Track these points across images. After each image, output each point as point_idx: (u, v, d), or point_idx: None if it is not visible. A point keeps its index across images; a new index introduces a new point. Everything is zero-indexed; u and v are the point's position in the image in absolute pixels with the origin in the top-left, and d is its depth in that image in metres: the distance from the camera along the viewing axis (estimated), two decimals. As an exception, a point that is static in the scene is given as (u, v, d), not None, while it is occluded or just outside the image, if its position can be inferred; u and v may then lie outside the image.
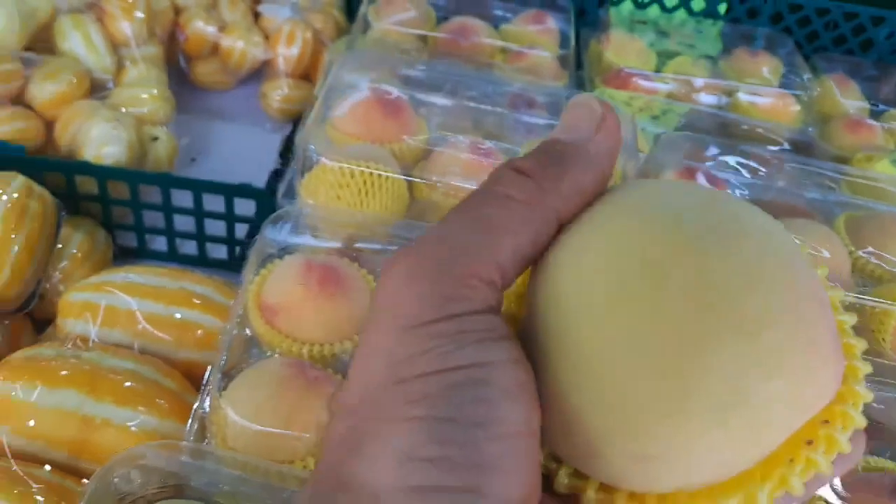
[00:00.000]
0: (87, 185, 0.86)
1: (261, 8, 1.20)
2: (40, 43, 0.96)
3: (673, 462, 0.24)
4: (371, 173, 0.72)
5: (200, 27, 1.12)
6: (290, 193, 0.75)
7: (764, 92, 1.07)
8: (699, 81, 1.07)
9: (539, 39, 1.13)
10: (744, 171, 0.84)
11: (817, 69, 1.17)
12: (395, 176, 0.73)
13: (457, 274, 0.24)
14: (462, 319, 0.24)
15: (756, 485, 0.25)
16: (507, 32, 1.16)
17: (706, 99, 1.06)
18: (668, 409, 0.23)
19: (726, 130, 1.01)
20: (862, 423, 0.26)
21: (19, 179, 0.74)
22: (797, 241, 0.27)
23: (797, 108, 1.06)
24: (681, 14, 1.28)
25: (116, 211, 0.89)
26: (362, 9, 1.14)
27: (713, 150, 0.85)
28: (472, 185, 0.74)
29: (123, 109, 0.93)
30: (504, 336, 0.24)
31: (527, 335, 0.26)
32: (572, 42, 1.12)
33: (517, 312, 0.28)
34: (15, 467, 0.57)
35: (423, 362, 0.23)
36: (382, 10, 1.14)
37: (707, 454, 0.24)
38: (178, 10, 1.13)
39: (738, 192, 0.81)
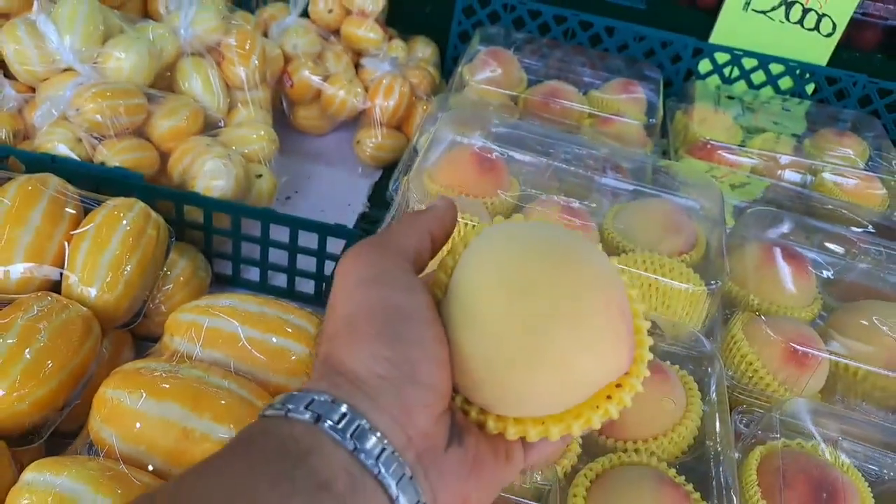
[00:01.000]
0: (194, 214, 0.92)
1: (363, 61, 1.26)
2: (163, 81, 1.03)
3: (523, 396, 0.39)
4: (466, 224, 0.75)
5: (306, 76, 1.18)
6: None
7: (850, 173, 1.08)
8: (785, 158, 1.09)
9: (626, 107, 1.17)
10: (827, 251, 0.85)
11: (905, 153, 1.18)
12: (489, 228, 0.77)
13: (387, 252, 0.41)
14: (394, 274, 0.40)
15: (573, 420, 0.40)
16: (595, 99, 1.20)
17: (791, 176, 1.08)
18: (523, 362, 0.38)
19: (809, 209, 1.02)
20: (640, 389, 0.40)
21: (139, 206, 0.80)
22: (616, 269, 0.41)
23: (883, 191, 1.07)
24: (767, 91, 1.31)
25: (216, 240, 0.95)
26: (459, 67, 1.20)
27: (797, 228, 0.87)
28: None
29: (233, 147, 0.99)
30: (422, 288, 0.40)
31: (446, 307, 0.40)
32: (660, 112, 1.15)
33: (441, 297, 0.42)
34: (122, 466, 0.61)
35: (372, 300, 0.38)
36: (477, 70, 1.19)
37: (544, 394, 0.39)
38: (287, 59, 1.20)
39: (823, 272, 0.82)
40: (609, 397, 0.40)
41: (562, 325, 0.38)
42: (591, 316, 0.38)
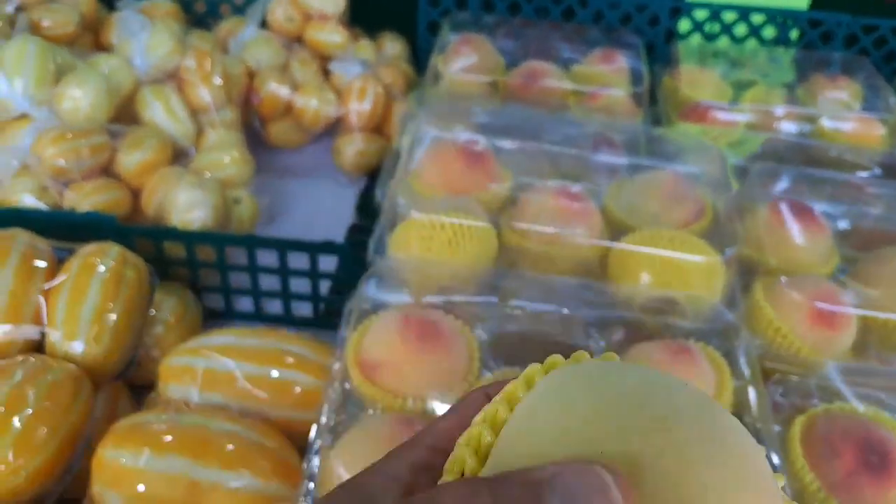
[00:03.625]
0: (175, 249, 0.88)
1: (331, 66, 1.21)
2: (124, 114, 0.99)
3: None
4: (460, 224, 0.72)
5: (274, 89, 1.14)
6: (380, 248, 0.75)
7: (847, 117, 1.04)
8: (779, 110, 1.05)
9: (610, 78, 1.12)
10: (837, 200, 0.81)
11: (900, 89, 1.14)
12: (484, 225, 0.73)
13: None
14: None
15: None
16: (577, 73, 1.15)
17: (787, 127, 1.04)
18: None
19: (810, 158, 0.99)
20: None
21: (115, 249, 0.76)
22: (764, 455, 0.25)
23: (883, 130, 1.03)
24: (751, 43, 1.26)
25: (203, 273, 0.91)
26: (432, 60, 1.15)
27: (802, 181, 0.83)
28: (561, 231, 0.74)
29: (207, 174, 0.95)
30: None
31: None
32: (645, 79, 1.11)
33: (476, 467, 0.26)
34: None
35: None
36: (451, 59, 1.14)
37: None
38: (251, 74, 1.15)
39: (837, 222, 0.78)
40: None
41: None
42: None
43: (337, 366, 0.64)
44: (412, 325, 0.62)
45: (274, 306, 0.94)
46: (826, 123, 1.03)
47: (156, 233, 0.87)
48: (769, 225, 0.77)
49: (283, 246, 0.88)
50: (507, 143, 0.88)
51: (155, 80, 1.01)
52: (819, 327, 0.69)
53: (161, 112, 0.99)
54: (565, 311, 0.68)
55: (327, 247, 0.88)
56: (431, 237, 0.72)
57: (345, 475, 0.53)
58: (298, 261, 0.89)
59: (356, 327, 0.66)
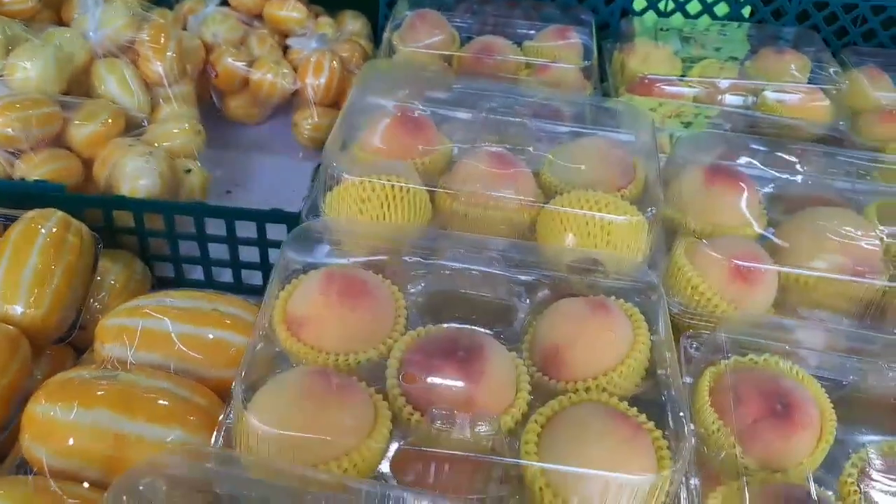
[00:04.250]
0: (125, 218, 0.89)
1: (289, 41, 1.23)
2: (78, 87, 1.00)
3: None
4: (392, 186, 0.73)
5: (230, 63, 1.15)
6: (315, 211, 0.77)
7: (791, 89, 1.06)
8: (724, 83, 1.06)
9: (562, 53, 1.14)
10: (769, 165, 0.83)
11: (846, 64, 1.15)
12: (417, 188, 0.74)
13: None
14: None
15: None
16: (530, 49, 1.17)
17: (732, 100, 1.06)
18: None
19: (756, 130, 1.01)
20: None
21: (57, 215, 0.77)
22: None
23: (826, 102, 1.05)
24: (705, 20, 1.28)
25: (154, 243, 0.92)
26: (386, 34, 1.17)
27: (735, 147, 0.85)
28: (491, 193, 0.75)
29: (157, 144, 0.96)
30: None
31: None
32: (594, 53, 1.13)
33: None
34: (54, 486, 0.58)
35: None
36: (407, 34, 1.16)
37: None
38: (208, 49, 1.17)
39: (766, 186, 0.80)
40: None
41: None
42: None
43: (260, 321, 0.65)
44: (334, 283, 0.64)
45: (225, 275, 0.96)
46: (770, 96, 1.05)
47: (103, 201, 0.88)
48: (695, 189, 0.78)
49: (231, 214, 0.89)
50: (453, 113, 0.89)
51: (109, 54, 1.02)
52: (736, 283, 0.71)
53: (114, 85, 1.00)
54: (492, 270, 0.70)
55: (275, 215, 0.89)
56: (363, 199, 0.73)
57: (256, 423, 0.54)
58: (248, 230, 0.90)
59: (285, 286, 0.67)
